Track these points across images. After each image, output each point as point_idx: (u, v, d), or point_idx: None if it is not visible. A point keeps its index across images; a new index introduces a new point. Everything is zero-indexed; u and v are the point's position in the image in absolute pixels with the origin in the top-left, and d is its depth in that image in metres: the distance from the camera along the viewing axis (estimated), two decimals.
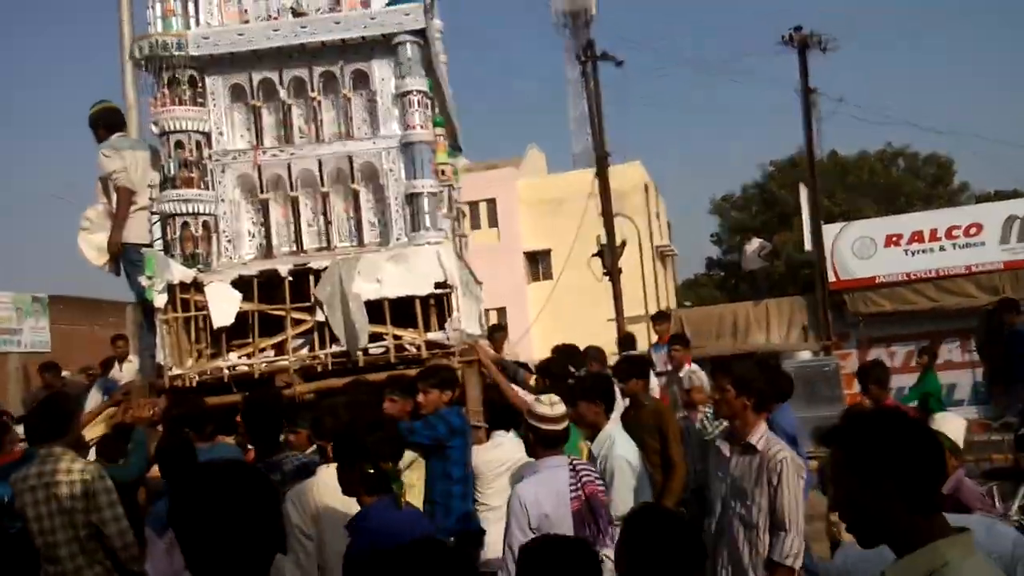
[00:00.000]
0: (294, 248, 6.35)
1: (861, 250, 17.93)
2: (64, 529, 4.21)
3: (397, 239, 6.11)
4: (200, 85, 6.27)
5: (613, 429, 4.85)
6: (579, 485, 3.76)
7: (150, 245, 6.05)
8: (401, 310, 5.83)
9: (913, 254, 17.53)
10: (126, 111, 10.69)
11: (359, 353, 5.57)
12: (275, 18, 6.24)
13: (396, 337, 5.70)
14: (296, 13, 6.11)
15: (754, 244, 19.80)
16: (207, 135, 6.27)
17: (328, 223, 6.33)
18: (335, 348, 5.67)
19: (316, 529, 3.73)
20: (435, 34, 7.06)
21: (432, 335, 5.71)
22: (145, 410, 5.23)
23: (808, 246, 19.33)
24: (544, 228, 32.86)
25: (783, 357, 16.56)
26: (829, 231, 18.54)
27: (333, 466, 3.76)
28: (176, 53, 6.07)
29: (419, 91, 6.05)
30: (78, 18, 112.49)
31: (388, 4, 6.03)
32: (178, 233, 6.07)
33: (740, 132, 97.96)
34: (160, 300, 5.58)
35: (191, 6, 6.28)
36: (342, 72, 6.22)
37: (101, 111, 6.34)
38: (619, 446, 4.68)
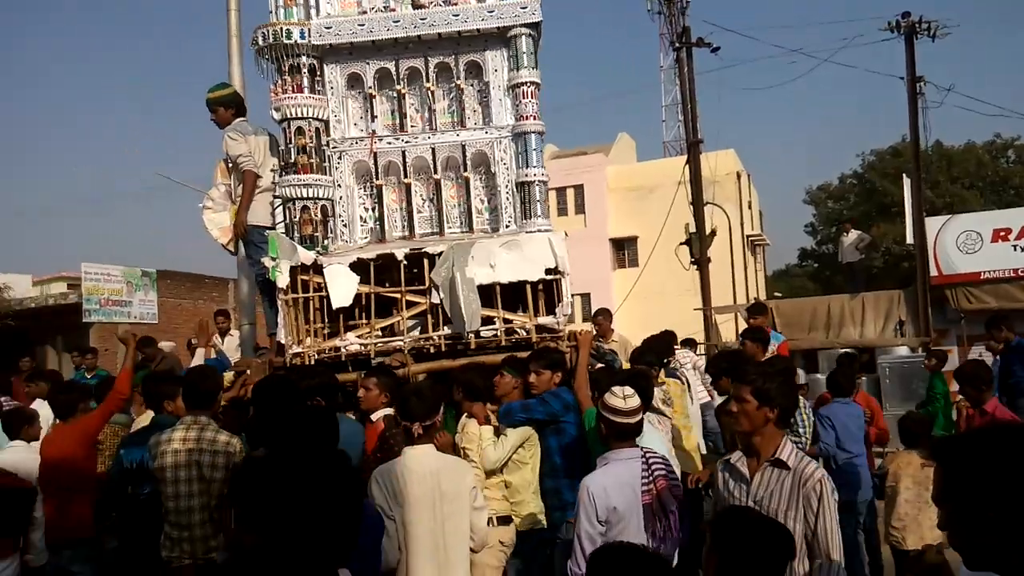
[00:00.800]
0: (405, 233, 6.61)
1: (966, 244, 17.46)
2: (200, 496, 4.36)
3: (506, 226, 6.30)
4: (319, 73, 6.54)
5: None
6: (651, 479, 3.75)
7: (273, 227, 6.36)
8: (511, 294, 6.03)
9: (1021, 250, 16.98)
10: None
11: (471, 335, 5.79)
12: (392, 9, 6.47)
13: (507, 321, 5.90)
14: (416, 4, 6.32)
15: (852, 235, 19.34)
16: (325, 122, 6.55)
17: (439, 209, 6.57)
18: (447, 330, 5.89)
19: (400, 509, 3.82)
20: None
21: (542, 319, 5.89)
22: None
23: (910, 239, 18.89)
24: (632, 215, 33.04)
25: (878, 352, 16.26)
26: (932, 224, 18.10)
27: (418, 447, 3.98)
28: (299, 41, 6.34)
29: (532, 82, 6.21)
30: (177, 5, 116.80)
31: None
32: (297, 216, 6.38)
33: (839, 121, 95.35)
34: (283, 281, 5.88)
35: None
36: (456, 62, 6.42)
37: (230, 94, 6.66)
38: (647, 440, 4.53)
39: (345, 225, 6.58)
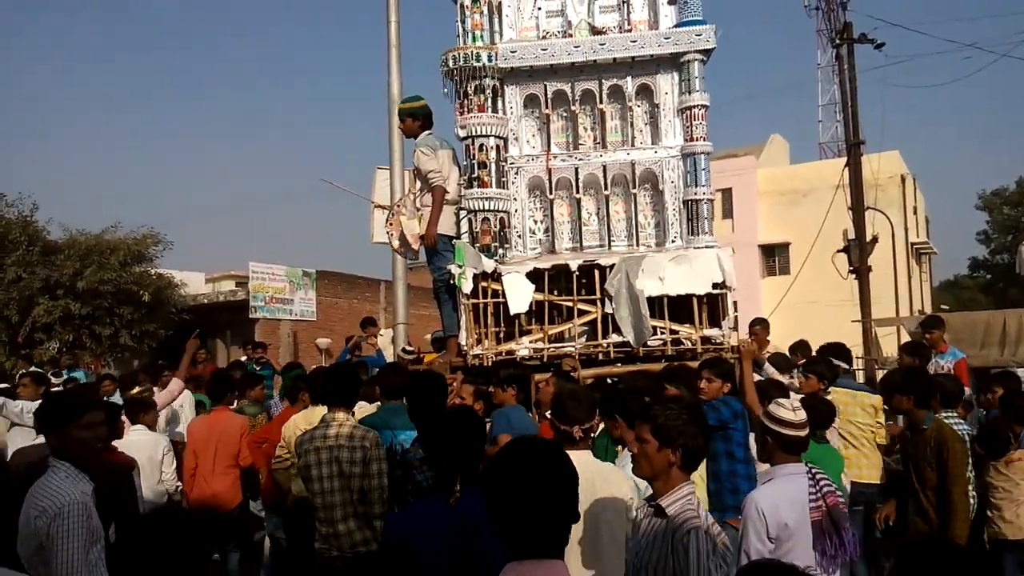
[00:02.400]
0: (573, 245, 7.22)
1: None
2: (342, 491, 4.47)
3: (672, 241, 6.82)
4: (500, 94, 7.23)
5: None
6: (819, 495, 3.65)
7: (458, 236, 7.08)
8: (676, 306, 6.54)
9: None
10: (390, 105, 12.19)
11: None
12: (570, 35, 7.09)
13: (673, 332, 6.42)
14: (595, 31, 6.92)
15: None
16: (504, 140, 7.24)
17: (605, 224, 7.14)
18: (616, 338, 6.46)
19: None
20: None
21: (707, 331, 6.37)
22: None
23: None
24: (783, 220, 32.31)
25: None
26: None
27: (576, 452, 3.77)
28: (487, 64, 7.04)
29: (702, 105, 6.72)
30: (338, 18, 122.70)
31: (676, 25, 6.72)
32: (478, 227, 7.10)
33: (1017, 120, 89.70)
34: (468, 286, 6.58)
35: (495, 22, 7.26)
36: (629, 85, 6.99)
37: (420, 107, 7.14)
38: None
39: (519, 236, 7.26)
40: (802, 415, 3.76)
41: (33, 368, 12.18)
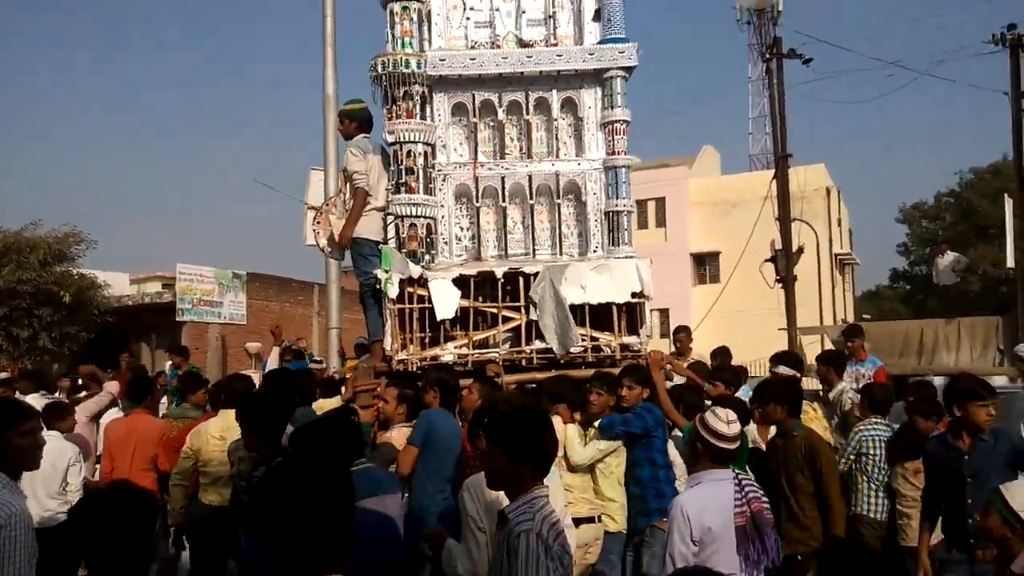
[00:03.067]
0: (500, 253, 7.39)
1: None
2: None
3: (594, 251, 7.04)
4: (428, 101, 7.36)
5: None
6: (744, 501, 3.77)
7: (385, 242, 7.19)
8: (596, 314, 6.75)
9: None
10: (325, 104, 12.19)
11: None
12: (499, 46, 7.27)
13: (593, 339, 6.63)
14: (521, 44, 7.11)
15: (948, 257, 19.13)
16: (432, 146, 7.37)
17: (531, 232, 7.33)
18: (539, 344, 6.65)
19: (489, 520, 3.79)
20: None
21: (625, 339, 6.60)
22: (367, 394, 6.29)
23: (1011, 262, 18.65)
24: (714, 230, 33.11)
25: None
26: None
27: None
28: (416, 71, 7.16)
29: (624, 120, 6.95)
30: (274, 18, 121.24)
31: (600, 41, 6.96)
32: (405, 233, 7.22)
33: (936, 137, 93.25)
34: (393, 292, 6.70)
35: (425, 29, 7.39)
36: (554, 98, 7.19)
37: (359, 110, 7.37)
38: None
39: (445, 243, 7.39)
40: (735, 428, 3.90)
41: None
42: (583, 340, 6.62)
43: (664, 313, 31.44)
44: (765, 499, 3.95)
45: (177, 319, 20.66)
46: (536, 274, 6.75)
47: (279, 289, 24.52)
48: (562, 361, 6.55)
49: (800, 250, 18.68)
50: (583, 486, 5.70)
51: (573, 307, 6.58)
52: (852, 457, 6.33)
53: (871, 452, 6.27)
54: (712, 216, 33.72)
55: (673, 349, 10.08)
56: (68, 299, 19.36)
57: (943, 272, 19.28)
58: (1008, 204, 19.00)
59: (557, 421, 5.61)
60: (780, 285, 18.56)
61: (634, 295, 6.64)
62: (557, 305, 6.45)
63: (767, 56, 19.70)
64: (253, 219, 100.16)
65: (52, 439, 6.26)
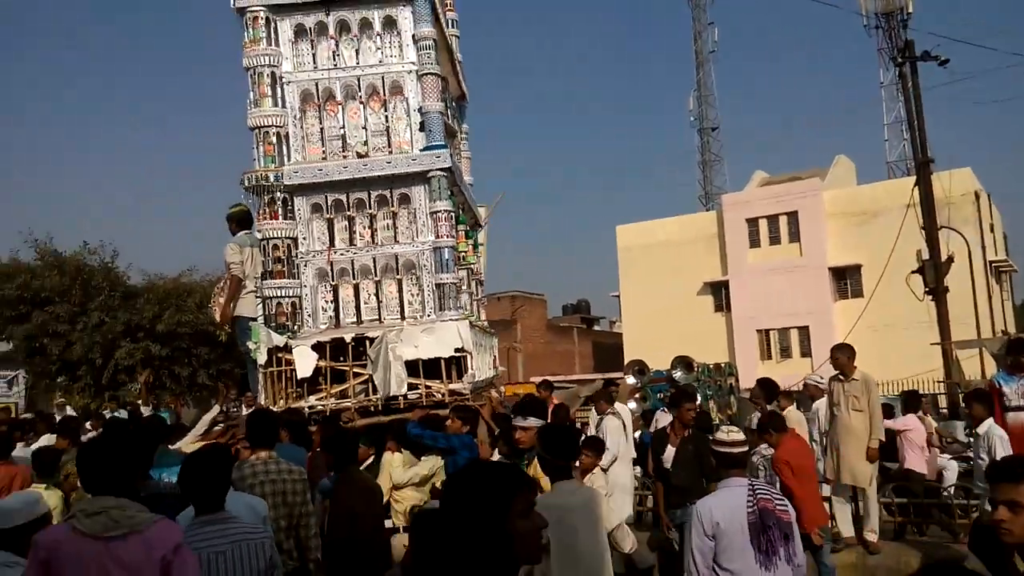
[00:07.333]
0: (355, 320, 9.21)
1: None
2: (287, 518, 4.90)
3: (428, 315, 8.93)
4: (290, 204, 9.23)
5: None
6: (754, 500, 4.27)
7: (255, 319, 8.93)
8: (430, 367, 8.61)
9: None
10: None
11: (400, 397, 8.36)
12: (345, 156, 9.21)
13: (427, 387, 8.47)
14: (360, 156, 9.07)
15: None
16: (294, 239, 9.21)
17: (380, 303, 9.19)
18: (381, 394, 8.46)
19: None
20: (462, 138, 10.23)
21: (453, 385, 8.47)
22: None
23: None
24: (853, 242, 31.72)
25: None
26: None
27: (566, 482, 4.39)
28: (275, 182, 9.05)
29: (446, 210, 8.94)
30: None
31: (423, 149, 8.96)
32: (274, 310, 8.99)
33: None
34: (262, 359, 8.44)
35: (284, 148, 9.29)
36: (391, 195, 9.14)
37: (241, 212, 9.11)
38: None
39: (310, 315, 9.18)
40: (735, 436, 4.52)
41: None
42: (418, 388, 8.45)
43: (803, 331, 31.60)
44: (780, 501, 4.35)
45: None
46: (376, 338, 8.58)
47: None
48: (403, 406, 8.35)
49: (950, 259, 17.47)
50: (416, 498, 7.40)
51: (409, 362, 8.42)
52: None
53: None
54: (850, 227, 32.05)
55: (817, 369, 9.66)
56: (223, 338, 20.24)
57: None
58: None
59: (387, 453, 7.24)
60: (930, 297, 17.48)
61: (457, 350, 8.53)
62: (385, 362, 8.27)
63: (899, 60, 18.78)
64: None
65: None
